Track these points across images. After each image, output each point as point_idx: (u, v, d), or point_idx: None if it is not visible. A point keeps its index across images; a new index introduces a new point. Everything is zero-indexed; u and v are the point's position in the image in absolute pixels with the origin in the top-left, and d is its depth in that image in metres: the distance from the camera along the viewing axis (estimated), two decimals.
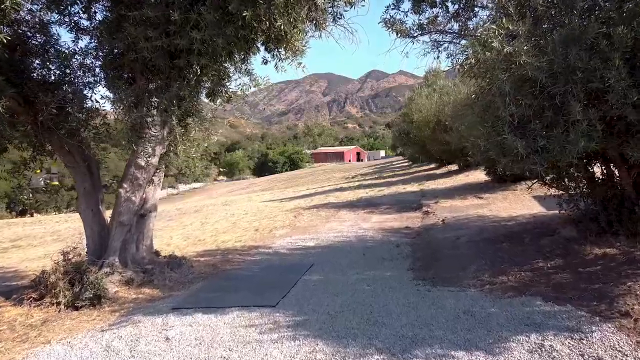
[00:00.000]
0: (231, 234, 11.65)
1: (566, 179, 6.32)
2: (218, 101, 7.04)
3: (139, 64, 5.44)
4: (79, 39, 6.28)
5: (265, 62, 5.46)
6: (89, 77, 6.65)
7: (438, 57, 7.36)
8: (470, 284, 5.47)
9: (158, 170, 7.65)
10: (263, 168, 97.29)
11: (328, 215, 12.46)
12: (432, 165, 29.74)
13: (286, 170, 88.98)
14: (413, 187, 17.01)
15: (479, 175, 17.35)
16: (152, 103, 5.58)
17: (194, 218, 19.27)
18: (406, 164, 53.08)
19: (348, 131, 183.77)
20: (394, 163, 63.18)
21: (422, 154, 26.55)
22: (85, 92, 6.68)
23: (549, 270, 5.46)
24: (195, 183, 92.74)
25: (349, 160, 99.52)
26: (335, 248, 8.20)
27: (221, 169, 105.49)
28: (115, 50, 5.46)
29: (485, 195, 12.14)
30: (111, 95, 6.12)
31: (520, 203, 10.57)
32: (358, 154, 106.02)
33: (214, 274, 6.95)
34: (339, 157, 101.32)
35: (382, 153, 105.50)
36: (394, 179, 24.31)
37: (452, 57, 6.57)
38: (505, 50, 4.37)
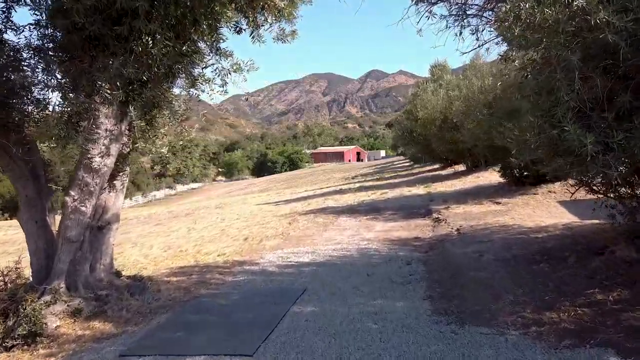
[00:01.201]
0: (217, 244, 10.35)
1: (626, 186, 5.01)
2: (194, 92, 5.73)
3: (76, 36, 4.14)
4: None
5: (238, 30, 4.16)
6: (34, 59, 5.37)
7: (461, 32, 6.02)
8: (508, 323, 4.17)
9: (121, 174, 6.36)
10: (262, 168, 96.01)
11: (326, 222, 11.16)
12: (436, 166, 28.44)
13: (285, 171, 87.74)
14: (419, 190, 15.70)
15: (490, 177, 16.05)
16: (96, 87, 4.27)
17: (183, 222, 17.98)
18: (407, 164, 51.94)
19: (348, 131, 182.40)
20: (394, 163, 61.95)
21: (426, 154, 25.26)
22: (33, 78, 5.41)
23: (614, 306, 4.16)
24: (194, 183, 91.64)
25: (349, 160, 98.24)
26: (334, 265, 6.90)
27: (220, 169, 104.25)
28: (44, 17, 4.16)
29: (502, 199, 10.84)
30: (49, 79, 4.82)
31: (545, 210, 9.27)
32: (358, 154, 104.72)
33: (184, 302, 5.64)
34: (339, 157, 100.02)
35: (383, 153, 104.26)
36: (396, 180, 23.00)
37: (479, 32, 5.24)
38: (576, 3, 3.06)
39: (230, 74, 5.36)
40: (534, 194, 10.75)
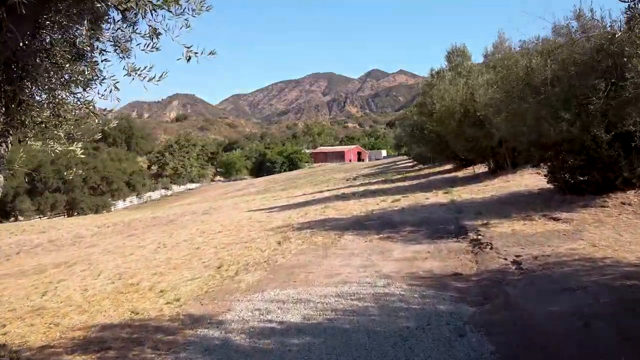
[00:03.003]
0: (181, 273, 7.74)
1: None
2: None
3: None
4: None
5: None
6: None
7: None
8: None
9: None
10: (261, 168, 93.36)
11: (326, 243, 8.52)
12: (449, 167, 25.77)
13: (285, 171, 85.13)
14: (438, 197, 13.05)
15: (523, 181, 13.41)
16: None
17: (159, 234, 15.35)
18: (411, 164, 49.42)
19: (348, 130, 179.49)
20: (397, 163, 59.36)
21: (438, 153, 22.60)
22: None
23: None
24: (191, 184, 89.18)
25: (350, 160, 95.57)
26: (340, 333, 4.27)
27: (218, 170, 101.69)
28: None
29: (559, 213, 8.19)
30: None
31: (634, 231, 6.64)
32: (359, 153, 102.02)
33: None
34: (340, 156, 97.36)
35: (384, 153, 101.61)
36: (406, 184, 20.33)
37: None
38: None
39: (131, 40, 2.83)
40: (603, 206, 8.11)
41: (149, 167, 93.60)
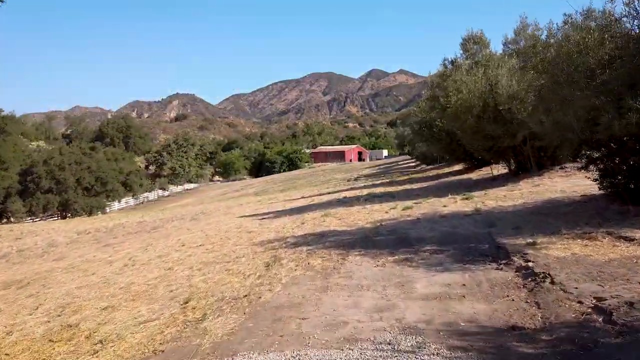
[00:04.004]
0: (133, 311, 5.88)
1: None
2: None
3: None
4: None
5: None
6: None
7: None
8: None
9: None
10: (260, 168, 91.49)
11: (327, 269, 6.66)
12: (458, 167, 23.90)
13: (284, 171, 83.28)
14: (457, 203, 11.18)
15: (559, 185, 11.53)
16: None
17: (136, 245, 13.52)
18: (414, 164, 47.63)
19: (348, 130, 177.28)
20: (399, 163, 57.55)
21: (448, 153, 20.72)
22: None
23: None
24: (189, 184, 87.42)
25: (350, 160, 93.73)
26: None
27: (217, 170, 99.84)
28: None
29: (630, 231, 6.33)
30: None
31: None
32: (360, 153, 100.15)
33: None
34: (340, 156, 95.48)
35: (385, 152, 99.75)
36: (414, 187, 18.45)
37: None
38: None
39: None
40: None
41: (146, 167, 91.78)
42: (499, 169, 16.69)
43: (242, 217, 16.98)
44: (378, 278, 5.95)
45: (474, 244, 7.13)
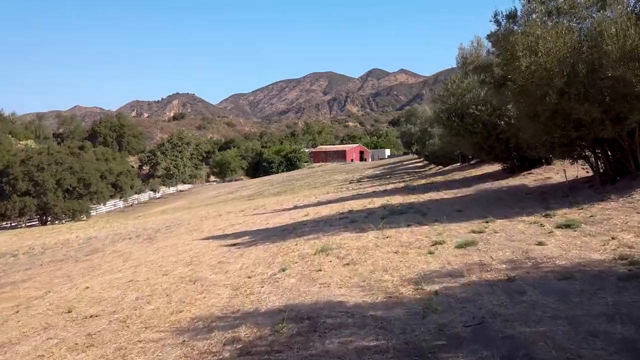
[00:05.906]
0: None
1: None
2: None
3: None
4: None
5: None
6: None
7: None
8: None
9: None
10: (258, 168, 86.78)
11: None
12: (488, 169, 19.03)
13: (282, 171, 78.64)
14: (556, 236, 6.34)
15: None
16: None
17: (30, 290, 8.69)
18: (421, 164, 43.04)
19: (349, 129, 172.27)
20: (405, 163, 52.78)
21: (485, 151, 15.85)
22: None
23: None
24: (182, 185, 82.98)
25: (352, 160, 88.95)
26: None
27: (213, 170, 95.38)
28: None
29: None
30: None
31: None
32: (361, 152, 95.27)
33: None
34: (341, 156, 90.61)
35: (388, 152, 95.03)
36: (444, 195, 13.59)
37: None
38: None
39: None
40: None
41: (140, 167, 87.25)
42: (562, 171, 11.76)
43: (208, 238, 12.19)
44: None
45: None
